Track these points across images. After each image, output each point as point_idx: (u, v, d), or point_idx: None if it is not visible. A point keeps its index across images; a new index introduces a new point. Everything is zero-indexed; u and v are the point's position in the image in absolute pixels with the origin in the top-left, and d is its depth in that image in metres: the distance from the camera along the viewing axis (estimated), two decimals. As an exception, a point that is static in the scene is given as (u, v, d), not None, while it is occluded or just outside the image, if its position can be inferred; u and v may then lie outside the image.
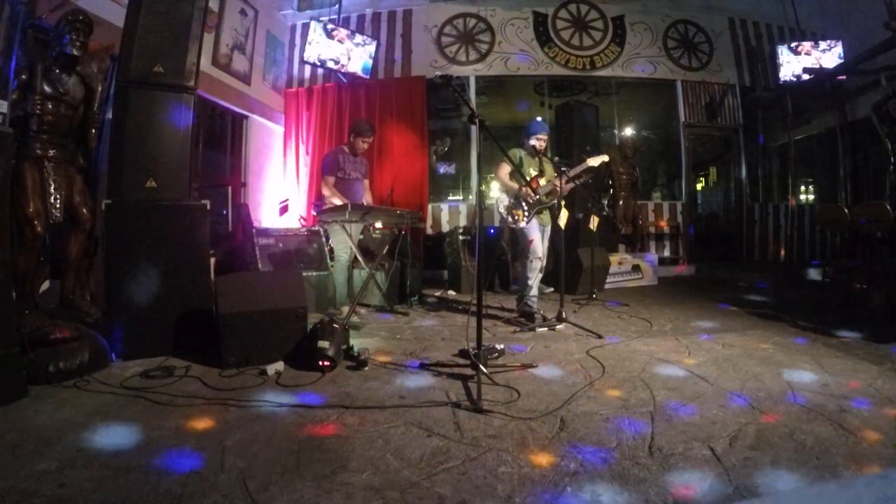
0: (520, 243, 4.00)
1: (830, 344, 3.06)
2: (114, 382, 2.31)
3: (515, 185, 3.83)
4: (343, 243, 4.17)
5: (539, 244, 3.84)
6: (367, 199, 4.55)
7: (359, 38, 6.69)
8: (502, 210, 3.90)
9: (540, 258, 3.85)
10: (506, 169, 3.89)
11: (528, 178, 3.75)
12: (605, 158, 4.02)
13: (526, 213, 3.79)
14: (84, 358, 2.41)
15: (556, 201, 3.89)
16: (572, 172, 3.89)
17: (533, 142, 3.90)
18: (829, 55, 6.98)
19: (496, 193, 4.01)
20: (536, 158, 3.94)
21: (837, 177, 7.68)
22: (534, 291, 3.97)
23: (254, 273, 3.92)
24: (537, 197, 3.78)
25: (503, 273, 5.56)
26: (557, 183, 3.76)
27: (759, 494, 1.41)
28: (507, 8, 7.22)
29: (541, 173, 3.86)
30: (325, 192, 4.33)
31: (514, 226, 3.88)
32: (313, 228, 4.77)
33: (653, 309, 4.36)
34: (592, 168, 3.98)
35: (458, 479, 1.49)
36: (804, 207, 7.91)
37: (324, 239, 4.60)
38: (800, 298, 4.81)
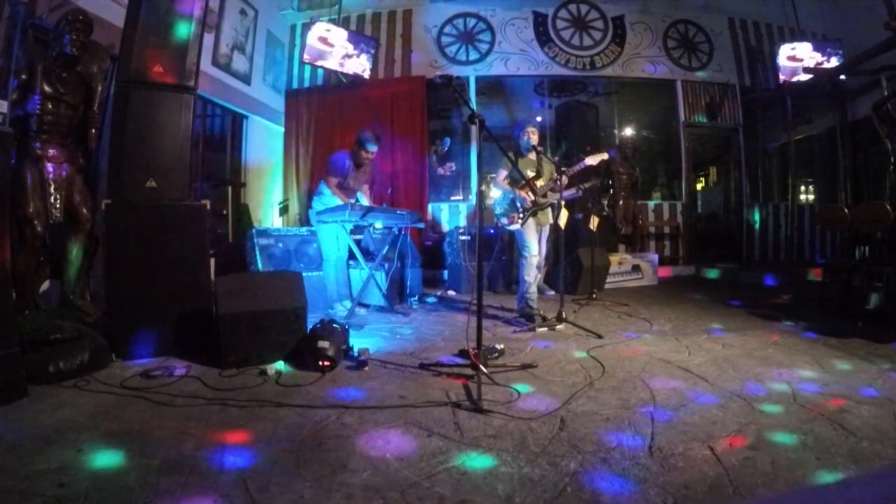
0: (516, 244, 4.01)
1: (830, 344, 3.06)
2: (114, 382, 2.31)
3: (515, 189, 3.84)
4: (331, 242, 4.16)
5: (534, 243, 3.84)
6: (365, 202, 4.53)
7: (358, 38, 6.68)
8: (499, 213, 3.91)
9: (535, 255, 3.86)
10: (503, 174, 3.90)
11: (525, 182, 3.76)
12: (605, 156, 4.01)
13: (521, 216, 3.79)
14: (84, 358, 2.41)
15: (554, 202, 3.89)
16: (571, 171, 3.89)
17: (525, 136, 3.88)
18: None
19: (496, 193, 4.02)
20: (534, 158, 3.93)
21: (837, 177, 7.67)
22: (532, 289, 3.98)
23: (254, 273, 3.92)
24: (533, 199, 3.78)
25: (503, 273, 5.56)
26: (558, 180, 3.76)
27: (759, 494, 1.41)
28: (507, 8, 7.22)
29: (538, 174, 3.85)
30: (325, 191, 4.28)
31: (509, 227, 3.89)
32: (313, 228, 4.77)
33: (653, 309, 4.36)
34: (591, 167, 3.97)
35: (458, 479, 1.50)
36: (804, 207, 7.91)
37: (320, 239, 4.59)
38: (799, 298, 4.81)
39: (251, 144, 6.44)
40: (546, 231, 3.99)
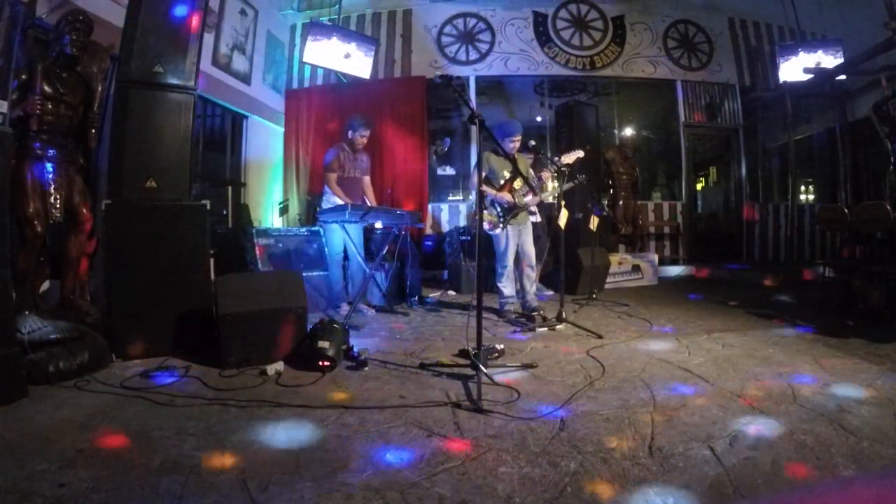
0: (492, 249, 3.99)
1: (830, 344, 3.05)
2: (114, 382, 2.31)
3: (492, 191, 3.81)
4: (337, 241, 4.17)
5: (509, 251, 3.85)
6: (369, 197, 4.51)
7: (358, 38, 6.68)
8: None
9: (506, 266, 3.88)
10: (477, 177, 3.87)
11: (504, 182, 3.77)
12: (580, 154, 4.00)
13: (501, 220, 3.78)
14: (84, 358, 2.41)
15: (532, 206, 3.90)
16: (549, 171, 3.88)
17: (510, 145, 3.80)
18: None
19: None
20: (510, 158, 3.91)
21: (837, 177, 7.68)
22: (529, 289, 3.98)
23: (254, 273, 3.92)
24: (514, 201, 3.77)
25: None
26: (544, 176, 3.77)
27: (760, 494, 1.41)
28: (507, 8, 7.23)
29: (515, 174, 3.77)
30: (329, 189, 4.28)
31: (490, 231, 3.86)
32: (313, 228, 4.77)
33: (653, 309, 4.36)
34: (569, 165, 3.94)
35: (458, 479, 1.49)
36: (804, 207, 7.92)
37: (323, 239, 4.60)
38: (800, 298, 4.81)
39: (251, 144, 6.44)
40: (528, 230, 3.98)
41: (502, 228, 3.79)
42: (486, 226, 3.86)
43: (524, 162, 3.97)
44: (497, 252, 3.90)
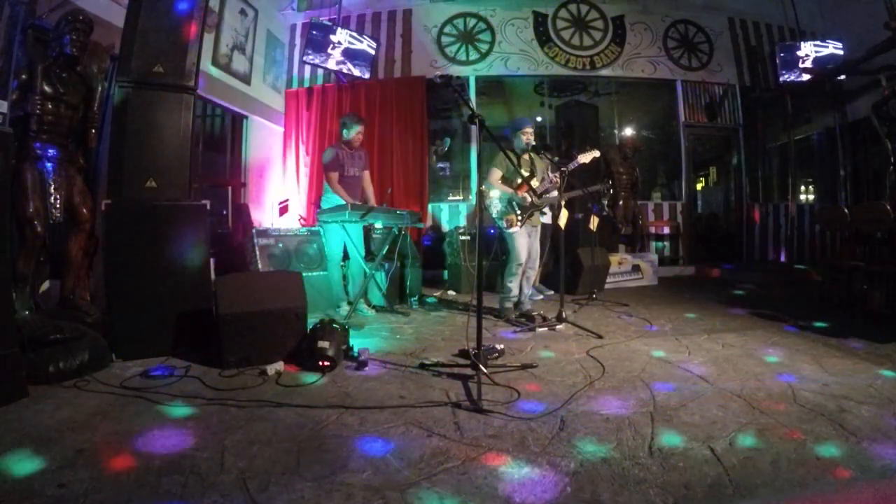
0: (506, 247, 3.98)
1: (830, 344, 3.06)
2: (114, 382, 2.31)
3: (510, 189, 3.81)
4: (337, 241, 4.17)
5: (524, 250, 3.84)
6: (368, 192, 4.50)
7: (358, 37, 6.69)
8: (495, 215, 3.88)
9: (522, 264, 3.86)
10: (497, 174, 3.86)
11: (521, 181, 3.75)
12: (596, 154, 3.98)
13: (520, 217, 3.78)
14: (84, 358, 2.41)
15: (547, 204, 3.88)
16: (566, 170, 3.88)
17: (522, 137, 3.84)
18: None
19: (495, 193, 3.96)
20: (527, 158, 3.91)
21: (837, 177, 7.68)
22: (526, 291, 3.97)
23: (254, 273, 3.92)
24: (530, 200, 3.76)
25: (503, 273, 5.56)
26: (553, 177, 3.76)
27: (760, 494, 1.41)
28: (507, 8, 7.22)
29: (531, 174, 3.81)
30: (329, 189, 4.26)
31: (509, 231, 3.86)
32: (313, 228, 4.77)
33: (653, 309, 4.36)
34: (584, 165, 3.94)
35: (458, 479, 1.50)
36: (804, 207, 7.92)
37: (323, 239, 4.60)
38: (799, 298, 4.81)
39: (251, 144, 6.44)
40: (537, 232, 3.98)
41: (520, 226, 3.79)
42: (503, 223, 3.85)
43: (542, 163, 3.96)
44: (512, 251, 3.88)
